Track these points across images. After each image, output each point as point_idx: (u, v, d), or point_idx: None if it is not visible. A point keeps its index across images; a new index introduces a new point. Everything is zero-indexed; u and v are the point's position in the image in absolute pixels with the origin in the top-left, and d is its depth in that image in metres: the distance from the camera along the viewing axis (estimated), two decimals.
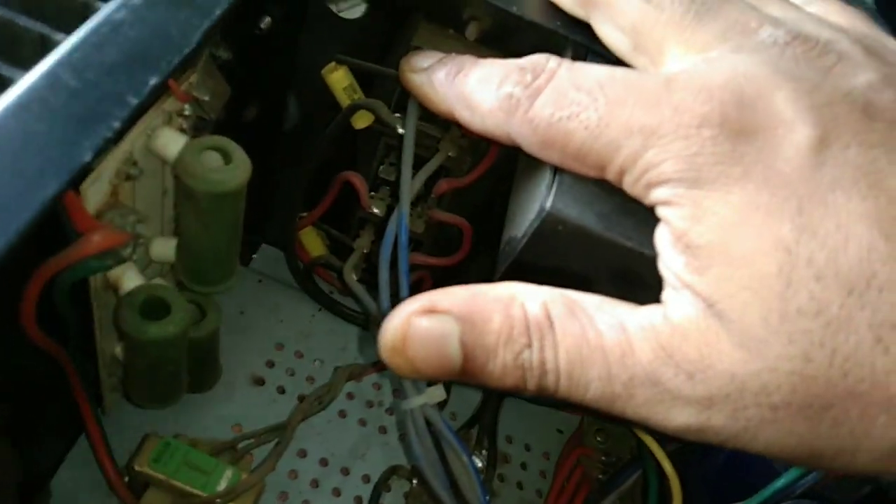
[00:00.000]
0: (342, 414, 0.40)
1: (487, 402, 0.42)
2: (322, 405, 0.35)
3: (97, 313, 0.28)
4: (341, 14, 0.33)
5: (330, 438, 0.39)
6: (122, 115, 0.19)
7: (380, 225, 0.41)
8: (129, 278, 0.26)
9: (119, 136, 0.20)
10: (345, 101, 0.34)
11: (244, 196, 0.26)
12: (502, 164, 0.37)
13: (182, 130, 0.27)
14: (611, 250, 0.25)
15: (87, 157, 0.18)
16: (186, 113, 0.27)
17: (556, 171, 0.26)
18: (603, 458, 0.42)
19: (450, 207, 0.39)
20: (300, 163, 0.38)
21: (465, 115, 0.26)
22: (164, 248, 0.29)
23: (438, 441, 0.31)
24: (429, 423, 0.31)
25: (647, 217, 0.26)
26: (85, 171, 0.21)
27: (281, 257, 0.43)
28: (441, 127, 0.34)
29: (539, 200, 0.26)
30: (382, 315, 0.30)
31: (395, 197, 0.38)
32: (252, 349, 0.41)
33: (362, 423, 0.40)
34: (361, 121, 0.35)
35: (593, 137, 0.22)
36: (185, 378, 0.30)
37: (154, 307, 0.26)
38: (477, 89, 0.25)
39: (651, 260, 0.25)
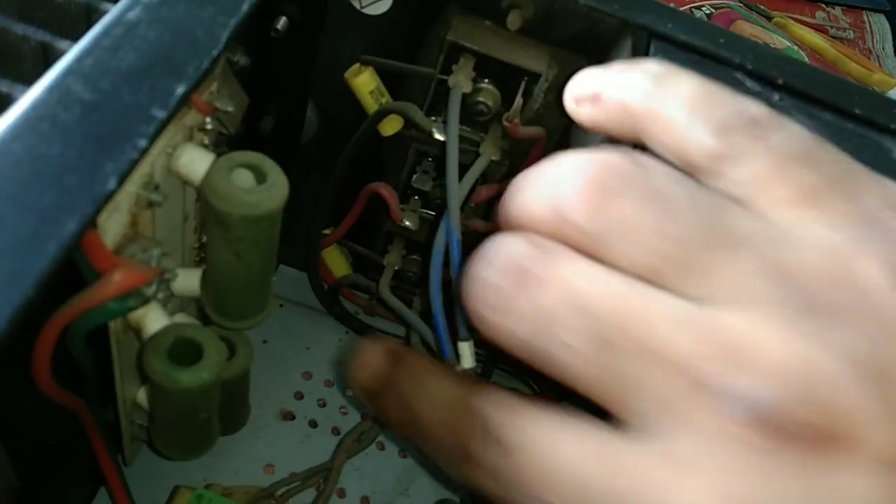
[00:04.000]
0: (380, 446, 0.37)
1: None
2: (368, 441, 0.32)
3: (117, 358, 0.24)
4: (365, 10, 0.29)
5: (369, 474, 0.36)
6: (148, 132, 0.16)
7: (409, 238, 0.37)
8: (154, 319, 0.23)
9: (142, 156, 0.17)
10: (372, 105, 0.31)
11: (280, 219, 0.22)
12: None
13: (205, 146, 0.24)
14: None
15: (112, 185, 0.15)
16: (209, 127, 0.24)
17: None
18: None
19: (485, 216, 0.36)
20: (321, 177, 0.35)
21: None
22: (188, 280, 0.26)
23: None
24: None
25: None
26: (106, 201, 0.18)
27: (301, 279, 0.40)
28: (479, 129, 0.31)
29: None
30: (440, 343, 0.27)
31: (428, 207, 0.35)
32: (278, 381, 0.37)
33: (403, 455, 0.37)
34: (390, 127, 0.32)
35: None
36: (217, 425, 0.26)
37: (183, 350, 0.23)
38: None
39: None
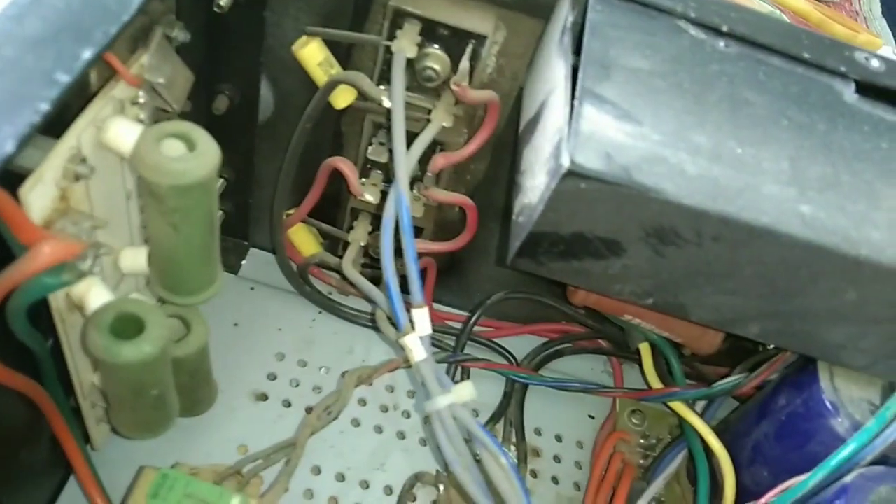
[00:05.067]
0: (355, 422, 0.37)
1: (511, 394, 0.39)
2: (332, 416, 0.32)
3: (65, 338, 0.24)
4: None
5: (345, 451, 0.36)
6: (51, 96, 0.16)
7: (375, 213, 0.37)
8: (96, 295, 0.23)
9: (51, 121, 0.17)
10: (321, 77, 0.31)
11: (215, 187, 0.22)
12: (503, 131, 0.33)
13: (139, 121, 0.24)
14: (644, 205, 0.22)
15: (10, 148, 0.15)
16: (142, 101, 0.23)
17: (571, 120, 0.22)
18: (641, 440, 0.38)
19: (448, 186, 0.36)
20: (283, 155, 0.35)
21: None
22: (135, 258, 0.25)
23: (470, 442, 0.28)
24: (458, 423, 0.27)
25: (679, 162, 0.22)
26: (22, 172, 0.18)
27: (272, 261, 0.40)
28: (432, 96, 0.31)
29: (554, 158, 0.23)
30: (393, 310, 0.27)
31: (388, 181, 0.35)
32: (251, 363, 0.37)
33: (378, 430, 0.37)
34: (342, 98, 0.32)
35: None
36: (174, 402, 0.26)
37: (126, 325, 0.22)
38: None
39: (688, 210, 0.22)
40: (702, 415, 0.35)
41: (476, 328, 0.41)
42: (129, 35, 0.23)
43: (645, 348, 0.38)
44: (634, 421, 0.39)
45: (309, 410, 0.36)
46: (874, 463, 0.28)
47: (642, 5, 0.26)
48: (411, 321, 0.27)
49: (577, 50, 0.25)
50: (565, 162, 0.22)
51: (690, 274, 0.25)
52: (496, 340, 0.41)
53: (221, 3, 0.29)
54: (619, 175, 0.22)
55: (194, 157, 0.21)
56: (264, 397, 0.36)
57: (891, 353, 0.27)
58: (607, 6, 0.25)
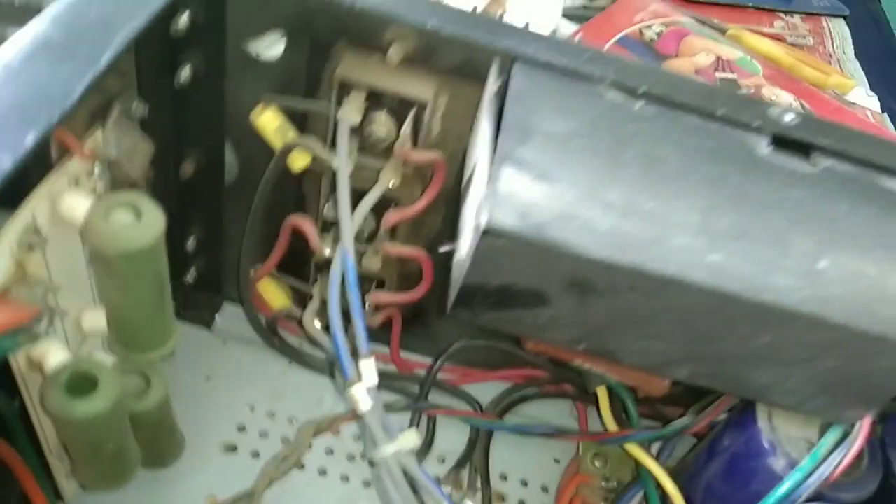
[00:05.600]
0: (322, 471, 0.38)
1: (476, 440, 0.40)
2: (289, 465, 0.33)
3: (28, 397, 0.26)
4: (261, 57, 0.31)
5: (311, 500, 0.37)
6: None
7: None
8: (54, 355, 0.24)
9: (6, 195, 0.18)
10: (278, 142, 0.33)
11: (162, 252, 0.24)
12: (453, 188, 0.35)
13: (96, 192, 0.26)
14: (558, 259, 0.24)
15: None
16: (97, 173, 0.25)
17: (491, 182, 0.24)
18: (603, 483, 0.39)
19: (408, 239, 0.37)
20: (248, 215, 0.37)
21: None
22: (96, 319, 0.27)
23: (418, 491, 0.29)
24: (405, 473, 0.29)
25: (591, 218, 0.24)
26: None
27: (244, 315, 0.41)
28: (381, 157, 0.33)
29: (476, 217, 0.24)
30: (339, 362, 0.29)
31: None
32: (221, 415, 0.39)
33: (345, 478, 0.38)
34: (299, 161, 0.33)
35: None
36: (134, 455, 0.28)
37: (82, 383, 0.24)
38: None
39: (599, 263, 0.24)
40: (658, 456, 0.36)
41: (445, 375, 0.42)
42: (86, 112, 0.25)
43: (602, 391, 0.39)
44: (597, 464, 0.40)
45: (285, 461, 0.37)
46: (810, 500, 0.29)
47: (563, 72, 0.28)
48: (359, 372, 0.28)
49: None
50: (482, 221, 0.23)
51: (614, 321, 0.26)
52: (463, 387, 0.42)
53: (182, 79, 0.31)
54: (532, 232, 0.23)
55: (140, 225, 0.23)
56: (233, 448, 0.38)
57: (817, 392, 0.28)
58: (529, 74, 0.27)
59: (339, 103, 0.31)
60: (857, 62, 0.86)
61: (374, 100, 0.31)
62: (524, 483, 0.40)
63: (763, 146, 0.28)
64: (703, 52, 0.75)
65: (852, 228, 0.27)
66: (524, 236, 0.23)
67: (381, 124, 0.31)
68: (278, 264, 0.38)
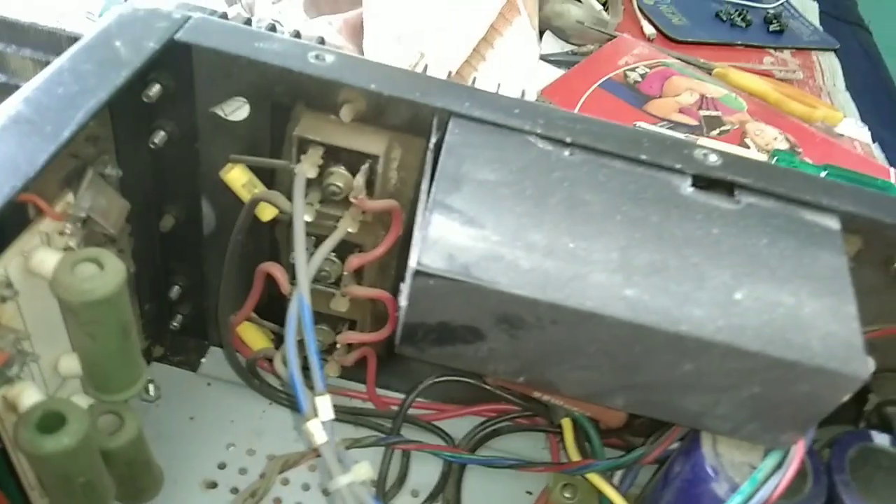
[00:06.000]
0: (277, 502, 0.39)
1: (448, 473, 0.42)
2: (256, 498, 0.35)
3: (5, 436, 0.28)
4: (228, 118, 0.34)
5: None
6: None
7: None
8: (27, 396, 0.27)
9: None
10: (246, 196, 0.35)
11: (124, 301, 0.26)
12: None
13: (69, 248, 0.28)
14: (485, 297, 0.26)
15: None
16: (69, 231, 0.28)
17: (422, 228, 0.26)
18: None
19: (376, 282, 0.40)
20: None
21: None
22: (71, 363, 0.29)
23: None
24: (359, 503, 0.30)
25: (515, 259, 0.26)
26: None
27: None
28: (341, 207, 0.36)
29: (411, 260, 0.26)
30: (297, 398, 0.31)
31: (316, 282, 0.39)
32: (203, 453, 0.41)
33: None
34: (267, 213, 0.36)
35: None
36: (106, 489, 0.30)
37: (52, 421, 0.26)
38: None
39: (522, 299, 0.26)
40: (620, 484, 0.38)
41: (421, 411, 0.44)
42: (59, 177, 0.28)
43: (566, 423, 0.40)
44: (566, 495, 0.41)
45: (253, 495, 0.39)
46: None
47: (495, 126, 0.30)
48: (314, 408, 0.30)
49: None
50: (413, 263, 0.25)
51: (546, 353, 0.28)
52: (436, 423, 0.44)
53: (156, 142, 0.34)
54: (459, 272, 0.25)
55: (101, 276, 0.25)
56: (214, 485, 0.40)
57: (749, 418, 0.29)
58: (464, 128, 0.30)
59: (298, 160, 0.34)
60: (847, 94, 0.87)
61: (332, 155, 0.34)
62: None
63: (686, 186, 0.30)
64: (686, 92, 0.77)
65: (771, 260, 0.28)
66: (452, 276, 0.25)
67: (338, 177, 0.34)
68: (259, 309, 0.40)
